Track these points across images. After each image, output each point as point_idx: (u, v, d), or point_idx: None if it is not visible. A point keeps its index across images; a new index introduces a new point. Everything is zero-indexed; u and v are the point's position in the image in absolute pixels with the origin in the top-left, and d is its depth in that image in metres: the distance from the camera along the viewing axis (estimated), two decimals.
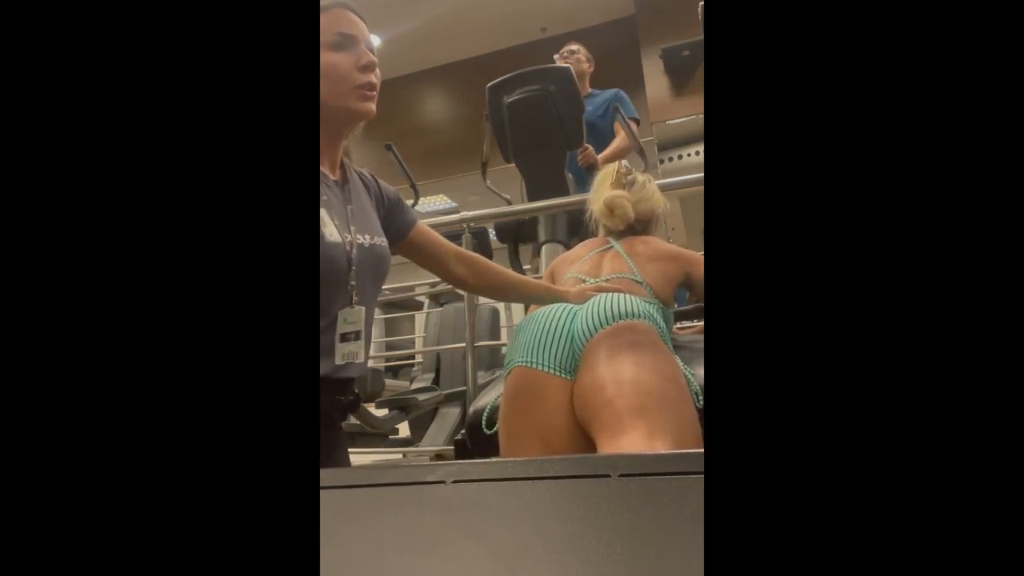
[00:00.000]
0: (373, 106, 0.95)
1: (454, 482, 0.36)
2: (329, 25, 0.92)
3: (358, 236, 0.94)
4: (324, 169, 0.96)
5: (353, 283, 0.91)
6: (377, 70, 0.95)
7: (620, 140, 2.70)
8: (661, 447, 0.81)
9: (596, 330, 1.00)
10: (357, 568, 0.32)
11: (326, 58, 0.91)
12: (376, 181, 1.09)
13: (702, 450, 0.32)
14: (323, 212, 0.89)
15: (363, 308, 0.92)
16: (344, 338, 0.89)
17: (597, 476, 0.34)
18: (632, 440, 0.83)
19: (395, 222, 1.07)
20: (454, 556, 0.31)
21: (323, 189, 0.92)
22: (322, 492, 0.38)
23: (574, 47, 2.86)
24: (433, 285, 3.73)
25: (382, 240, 0.99)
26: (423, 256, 1.11)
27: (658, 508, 0.32)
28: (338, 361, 0.87)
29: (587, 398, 0.94)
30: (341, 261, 0.90)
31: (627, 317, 1.00)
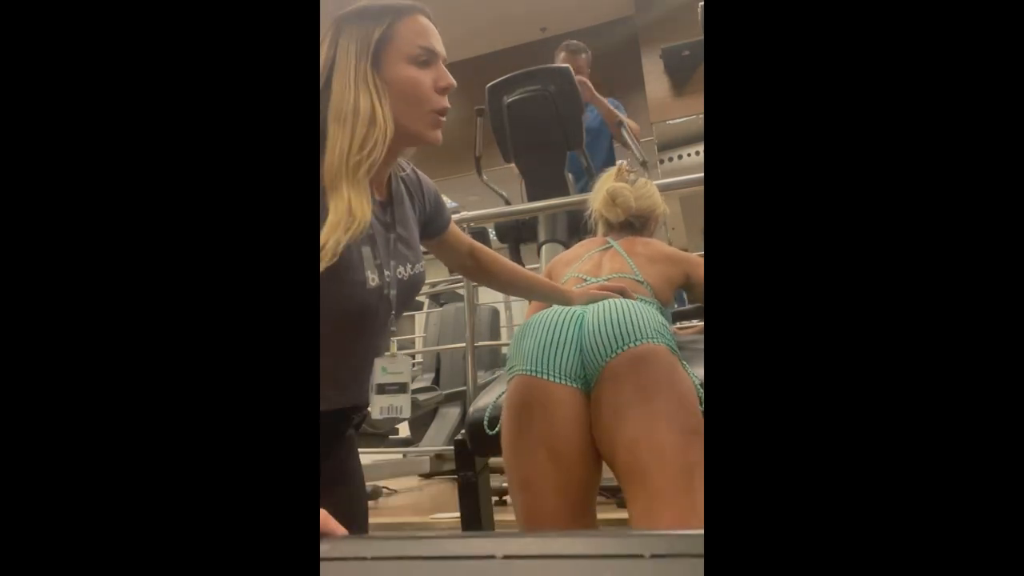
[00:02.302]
0: (440, 134, 0.86)
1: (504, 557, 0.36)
2: (413, 36, 0.82)
3: (399, 270, 0.87)
4: (372, 193, 0.86)
5: (393, 329, 0.85)
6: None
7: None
8: (695, 524, 0.82)
9: (610, 352, 0.97)
10: None
11: (407, 73, 0.82)
12: (419, 179, 1.00)
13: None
14: (367, 251, 0.82)
15: (408, 359, 0.84)
16: (382, 390, 0.82)
17: (631, 557, 0.35)
18: (665, 526, 0.84)
19: (432, 224, 1.02)
20: None
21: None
22: (362, 563, 0.38)
23: (581, 45, 2.85)
24: (433, 285, 3.73)
25: (420, 266, 0.93)
26: (443, 251, 1.08)
27: None
28: (377, 416, 0.80)
29: (614, 450, 0.93)
30: (382, 306, 0.83)
31: (640, 339, 0.97)
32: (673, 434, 0.90)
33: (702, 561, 0.32)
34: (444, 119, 0.86)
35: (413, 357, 4.04)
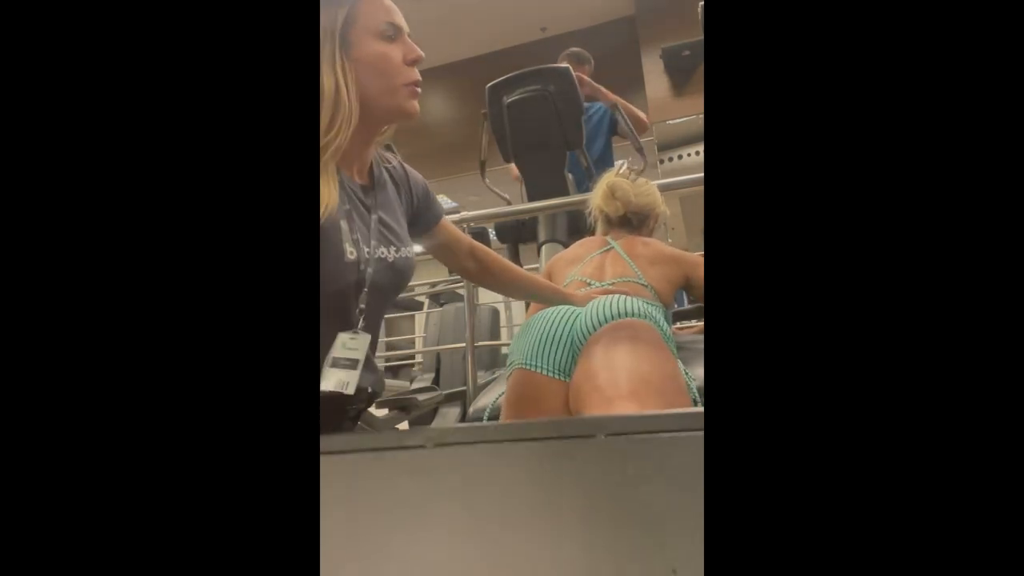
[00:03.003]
0: (418, 105, 0.87)
1: (436, 446, 0.35)
2: (376, 12, 0.84)
3: (381, 250, 0.87)
4: (351, 173, 0.88)
5: (362, 306, 0.84)
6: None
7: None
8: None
9: (595, 328, 1.00)
10: (341, 532, 0.32)
11: (376, 48, 0.83)
12: (406, 172, 1.00)
13: (692, 409, 0.32)
14: (343, 225, 0.82)
15: (368, 336, 0.84)
16: (336, 363, 0.80)
17: (583, 436, 0.34)
18: (620, 411, 0.83)
19: (422, 218, 1.02)
20: (436, 519, 0.31)
21: (345, 197, 0.84)
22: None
23: (587, 55, 2.85)
24: (433, 285, 3.73)
25: (407, 252, 0.92)
26: (441, 250, 1.07)
27: (646, 463, 0.32)
28: (326, 388, 0.78)
29: (578, 387, 0.94)
30: (351, 281, 0.83)
31: (627, 315, 1.01)
32: (638, 360, 0.91)
33: (659, 436, 0.31)
34: (419, 91, 0.86)
35: (413, 357, 4.04)
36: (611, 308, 1.03)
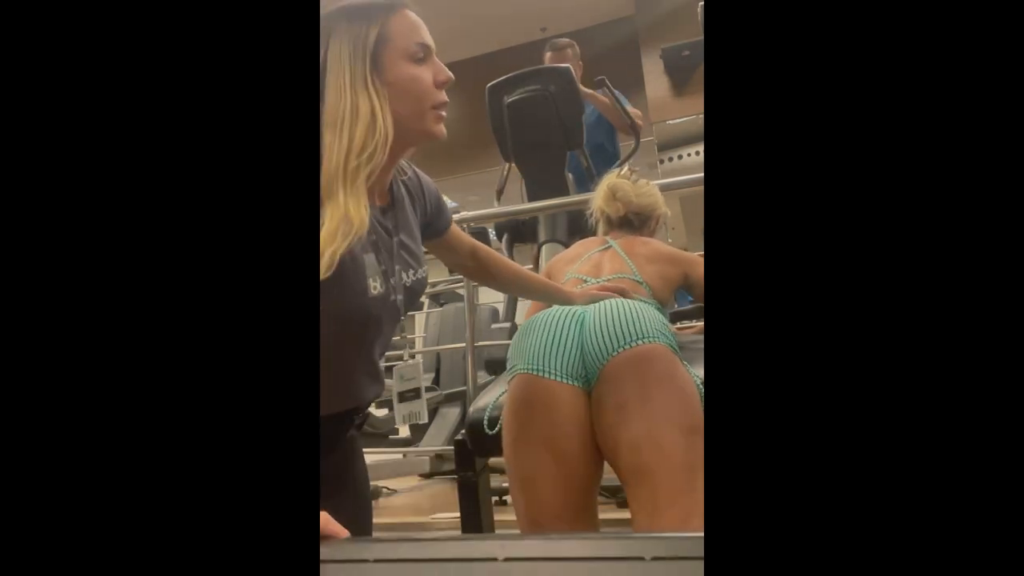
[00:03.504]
0: (443, 127, 0.84)
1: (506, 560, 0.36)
2: (408, 32, 0.81)
3: (403, 275, 0.86)
4: (372, 198, 0.84)
5: (396, 339, 0.82)
6: None
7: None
8: (697, 525, 0.82)
9: (611, 351, 0.97)
10: None
11: (408, 71, 0.80)
12: (420, 181, 0.98)
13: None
14: (368, 259, 0.80)
15: (419, 363, 0.82)
16: (403, 397, 0.79)
17: (631, 559, 0.35)
18: (667, 526, 0.84)
19: (433, 225, 1.01)
20: None
21: (370, 226, 0.80)
22: (364, 566, 0.38)
23: (564, 40, 2.84)
24: (433, 285, 3.73)
25: (423, 271, 0.91)
26: (447, 253, 1.07)
27: None
28: (400, 424, 0.81)
29: (616, 449, 0.93)
30: (387, 313, 0.82)
31: (641, 338, 0.97)
32: (675, 432, 0.90)
33: (702, 564, 0.32)
34: (444, 114, 0.84)
35: (412, 357, 4.04)
36: (622, 326, 0.99)
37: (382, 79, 0.79)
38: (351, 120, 0.76)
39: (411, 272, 0.88)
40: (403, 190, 0.93)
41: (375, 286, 0.80)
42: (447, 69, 0.83)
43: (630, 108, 2.71)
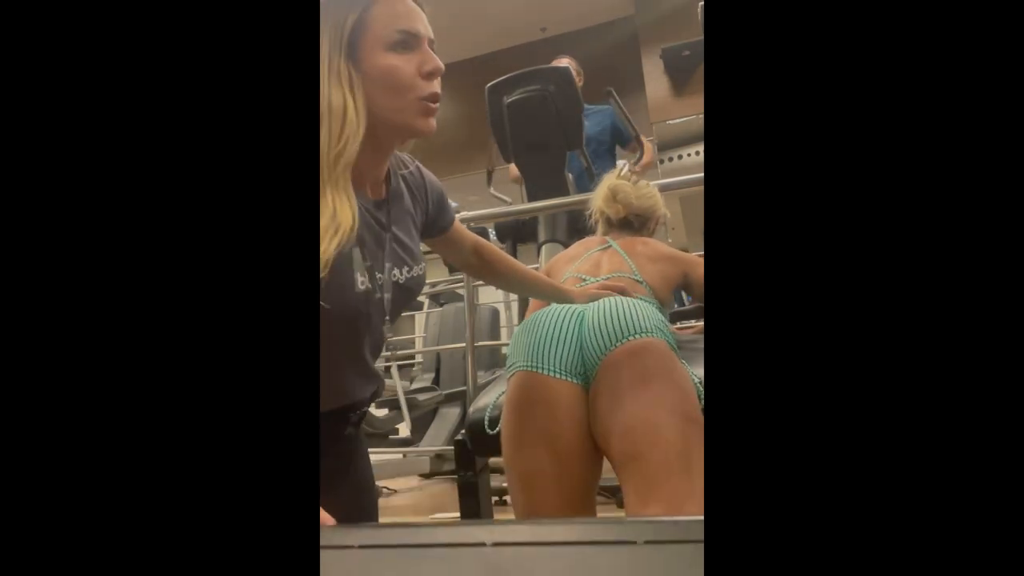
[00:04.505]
0: (434, 122, 0.79)
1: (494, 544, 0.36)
2: (388, 19, 0.75)
3: (394, 272, 0.83)
4: (364, 191, 0.82)
5: (389, 335, 0.81)
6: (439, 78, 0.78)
7: (648, 152, 2.76)
8: (691, 509, 0.82)
9: (609, 346, 0.97)
10: None
11: (385, 61, 0.75)
12: (423, 177, 0.95)
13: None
14: (355, 252, 0.77)
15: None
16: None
17: (622, 543, 0.35)
18: (660, 510, 0.84)
19: (436, 224, 0.99)
20: None
21: (359, 220, 0.76)
22: (356, 551, 0.38)
23: (565, 60, 2.86)
24: (433, 285, 3.73)
25: (419, 268, 0.88)
26: (447, 249, 1.05)
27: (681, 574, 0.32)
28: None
29: (609, 435, 0.92)
30: (373, 309, 0.80)
31: (640, 333, 0.98)
32: (670, 418, 0.90)
33: (697, 546, 0.31)
34: (436, 105, 0.78)
35: (412, 357, 4.04)
36: (620, 321, 1.00)
37: (358, 69, 0.75)
38: (328, 113, 0.73)
39: (405, 269, 0.86)
40: (402, 185, 0.90)
41: (362, 280, 0.78)
42: (437, 59, 0.77)
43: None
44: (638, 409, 0.91)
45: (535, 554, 0.35)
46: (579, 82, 2.79)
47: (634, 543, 0.34)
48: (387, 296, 0.82)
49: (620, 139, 2.88)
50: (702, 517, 0.33)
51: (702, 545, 0.31)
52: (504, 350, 3.01)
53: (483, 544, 0.35)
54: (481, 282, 1.97)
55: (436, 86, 0.77)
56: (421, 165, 0.97)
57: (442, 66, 0.77)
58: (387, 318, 0.82)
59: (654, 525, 0.37)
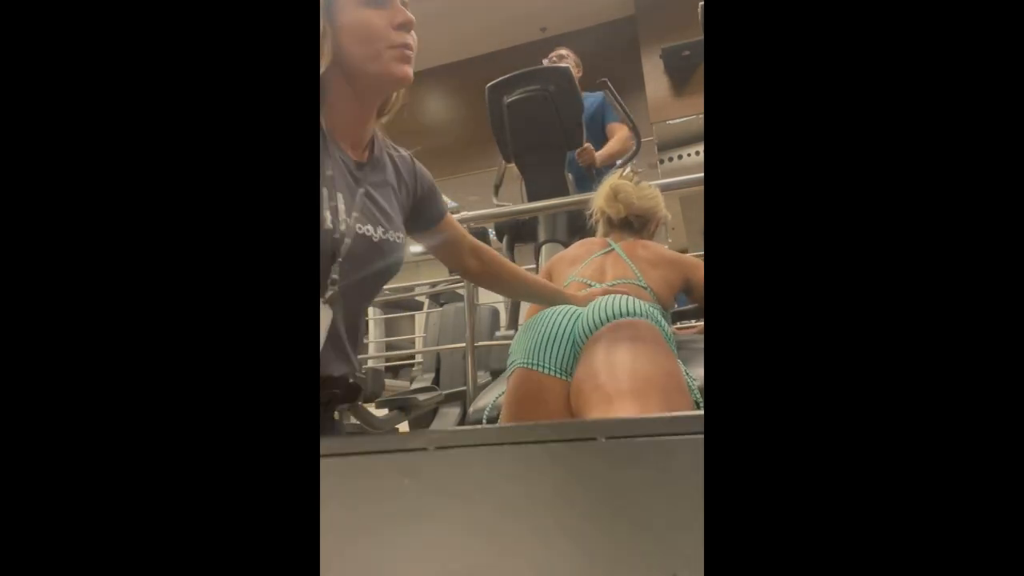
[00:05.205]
0: (411, 70, 0.84)
1: (436, 449, 0.35)
2: None
3: (366, 227, 0.85)
4: (345, 146, 0.86)
5: (334, 276, 0.80)
6: (413, 32, 0.84)
7: (618, 141, 2.69)
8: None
9: (596, 328, 1.00)
10: (340, 533, 0.32)
11: (357, 15, 0.81)
12: (414, 166, 1.00)
13: (693, 412, 0.32)
14: (323, 191, 0.80)
15: (329, 312, 0.80)
16: None
17: (583, 440, 0.34)
18: (621, 411, 0.83)
19: (424, 213, 1.01)
20: (436, 522, 0.31)
21: (330, 164, 0.82)
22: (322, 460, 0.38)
23: (563, 52, 2.86)
24: (433, 285, 3.73)
25: (396, 236, 0.90)
26: (443, 248, 1.05)
27: (646, 467, 0.32)
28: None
29: (579, 386, 0.94)
30: (323, 251, 0.80)
31: (629, 315, 1.01)
32: (640, 358, 0.91)
33: (659, 440, 0.31)
34: (411, 53, 0.83)
35: (413, 357, 4.04)
36: (612, 307, 1.03)
37: (333, 24, 0.81)
38: None
39: (379, 229, 0.87)
40: (387, 159, 0.93)
41: (326, 217, 0.79)
42: (408, 12, 0.83)
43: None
44: (609, 359, 0.93)
45: (483, 455, 0.35)
46: (578, 73, 2.79)
47: (594, 439, 0.34)
48: (347, 242, 0.82)
49: (606, 116, 2.84)
50: (667, 414, 0.32)
51: (666, 439, 0.31)
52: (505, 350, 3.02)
53: (425, 449, 0.35)
54: None
55: (409, 38, 0.83)
56: (417, 161, 1.00)
57: (412, 18, 0.83)
58: (339, 260, 0.80)
59: (615, 423, 0.36)
